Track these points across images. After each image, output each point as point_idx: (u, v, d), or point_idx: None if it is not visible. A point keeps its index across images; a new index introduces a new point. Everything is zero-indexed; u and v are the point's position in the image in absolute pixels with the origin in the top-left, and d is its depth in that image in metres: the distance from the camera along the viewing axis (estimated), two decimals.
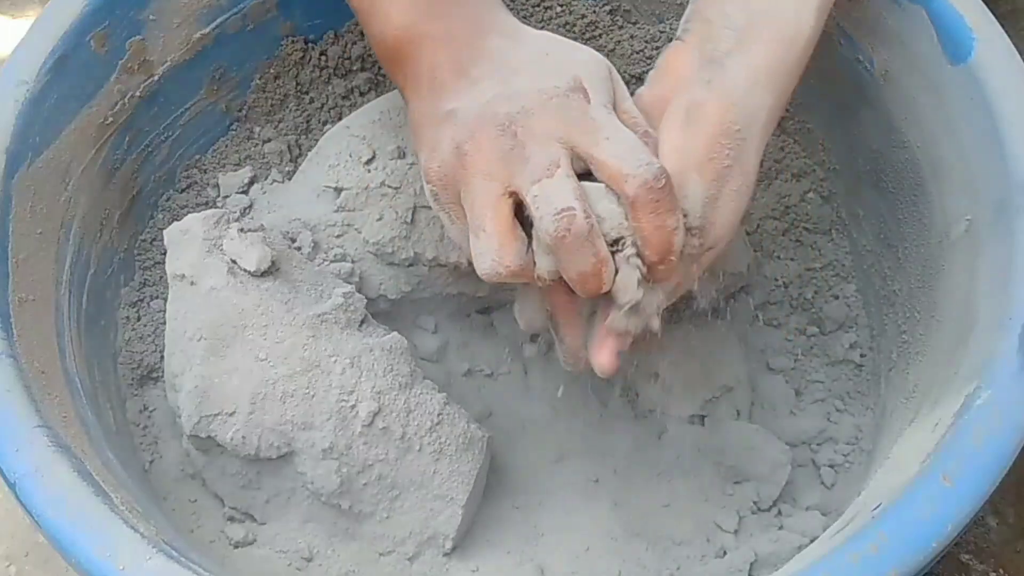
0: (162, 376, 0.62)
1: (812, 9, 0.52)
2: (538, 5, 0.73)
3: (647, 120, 0.51)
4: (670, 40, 0.72)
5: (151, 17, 0.63)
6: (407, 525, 0.56)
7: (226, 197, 0.69)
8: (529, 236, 0.48)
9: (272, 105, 0.72)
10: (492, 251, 0.48)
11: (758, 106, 0.50)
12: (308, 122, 0.73)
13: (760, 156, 0.51)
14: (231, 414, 0.54)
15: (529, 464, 0.63)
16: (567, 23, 0.73)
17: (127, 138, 0.64)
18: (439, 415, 0.57)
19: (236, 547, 0.58)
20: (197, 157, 0.70)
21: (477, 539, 0.59)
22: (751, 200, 0.51)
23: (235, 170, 0.71)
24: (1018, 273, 0.50)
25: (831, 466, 0.63)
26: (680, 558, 0.58)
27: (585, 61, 0.51)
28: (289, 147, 0.72)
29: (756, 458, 0.61)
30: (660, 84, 0.54)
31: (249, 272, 0.56)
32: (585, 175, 0.48)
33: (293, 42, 0.71)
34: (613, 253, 0.47)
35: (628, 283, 0.47)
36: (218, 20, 0.67)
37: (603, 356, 0.49)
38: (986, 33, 0.56)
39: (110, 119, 0.62)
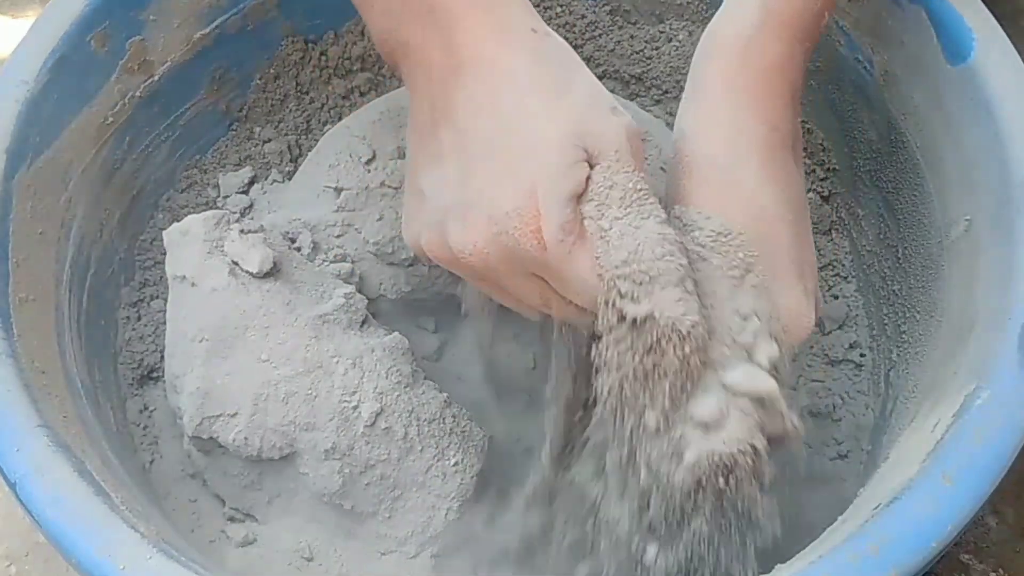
0: (162, 376, 0.62)
1: None
2: (538, 5, 0.72)
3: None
4: (670, 40, 0.72)
5: (151, 17, 0.63)
6: (409, 525, 0.56)
7: (226, 197, 0.69)
8: None
9: (272, 105, 0.72)
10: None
11: None
12: (308, 122, 0.73)
13: None
14: (233, 415, 0.54)
15: (529, 463, 0.63)
16: (567, 23, 0.73)
17: (127, 138, 0.64)
18: (440, 415, 0.57)
19: (236, 547, 0.58)
20: (197, 157, 0.70)
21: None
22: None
23: (235, 170, 0.71)
24: (1018, 273, 0.50)
25: (832, 463, 0.63)
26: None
27: (544, 151, 0.43)
28: (289, 147, 0.72)
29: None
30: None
31: (251, 274, 0.56)
32: None
33: (293, 42, 0.71)
34: None
35: None
36: (218, 20, 0.67)
37: None
38: (986, 33, 0.56)
39: (110, 119, 0.62)
